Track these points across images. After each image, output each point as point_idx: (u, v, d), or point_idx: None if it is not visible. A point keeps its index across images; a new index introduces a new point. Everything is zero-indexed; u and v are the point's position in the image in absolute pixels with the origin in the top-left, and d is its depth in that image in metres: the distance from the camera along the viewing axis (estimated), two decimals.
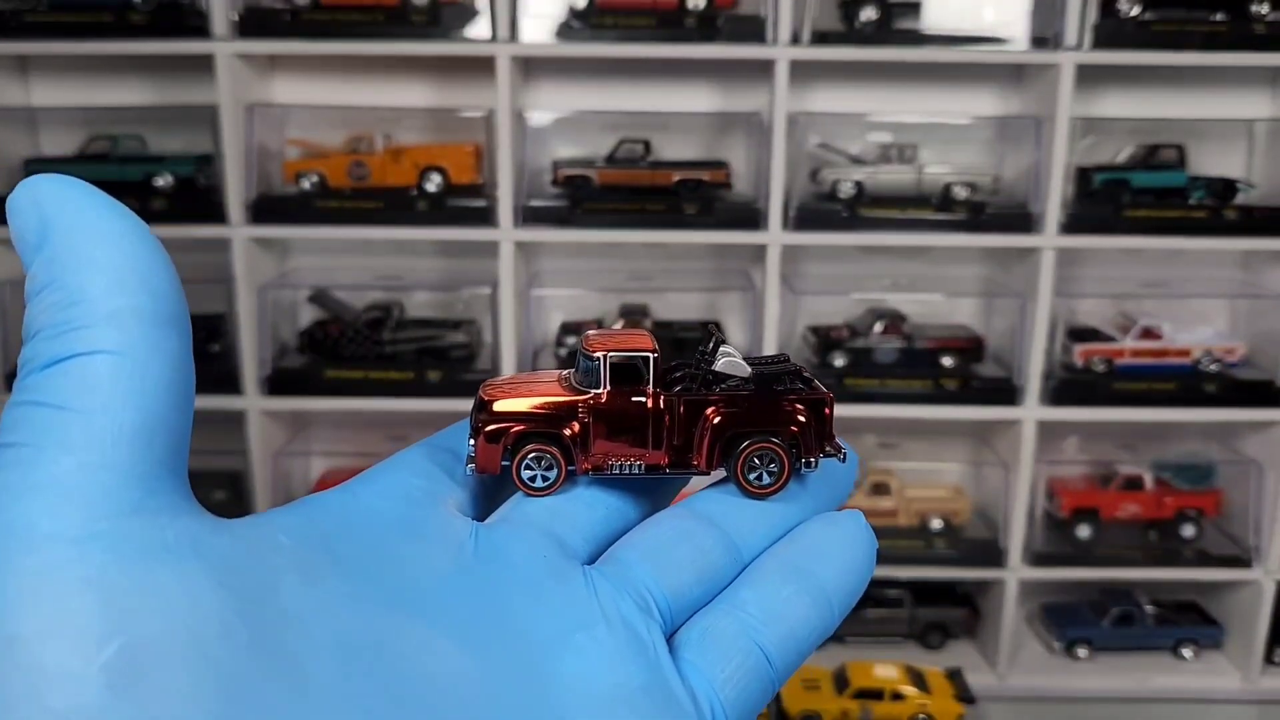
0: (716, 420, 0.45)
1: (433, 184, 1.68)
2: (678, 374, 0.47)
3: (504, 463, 0.43)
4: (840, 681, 1.65)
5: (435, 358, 1.73)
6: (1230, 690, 1.83)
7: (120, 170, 1.67)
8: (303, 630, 0.31)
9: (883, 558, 1.79)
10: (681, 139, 1.79)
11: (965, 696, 1.64)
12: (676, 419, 0.45)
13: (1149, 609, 1.87)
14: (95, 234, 0.31)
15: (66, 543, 0.28)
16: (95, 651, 0.27)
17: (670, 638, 0.38)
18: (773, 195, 1.63)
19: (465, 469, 0.43)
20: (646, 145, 1.72)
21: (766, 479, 0.44)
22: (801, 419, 0.45)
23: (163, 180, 1.67)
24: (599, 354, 0.45)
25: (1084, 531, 1.79)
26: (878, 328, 1.76)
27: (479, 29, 1.63)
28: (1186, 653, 1.86)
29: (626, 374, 0.45)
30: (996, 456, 1.82)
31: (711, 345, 0.47)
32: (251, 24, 1.59)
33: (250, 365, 1.69)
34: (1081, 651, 1.85)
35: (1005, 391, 1.72)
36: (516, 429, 0.44)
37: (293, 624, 0.30)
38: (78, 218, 0.31)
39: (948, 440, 1.92)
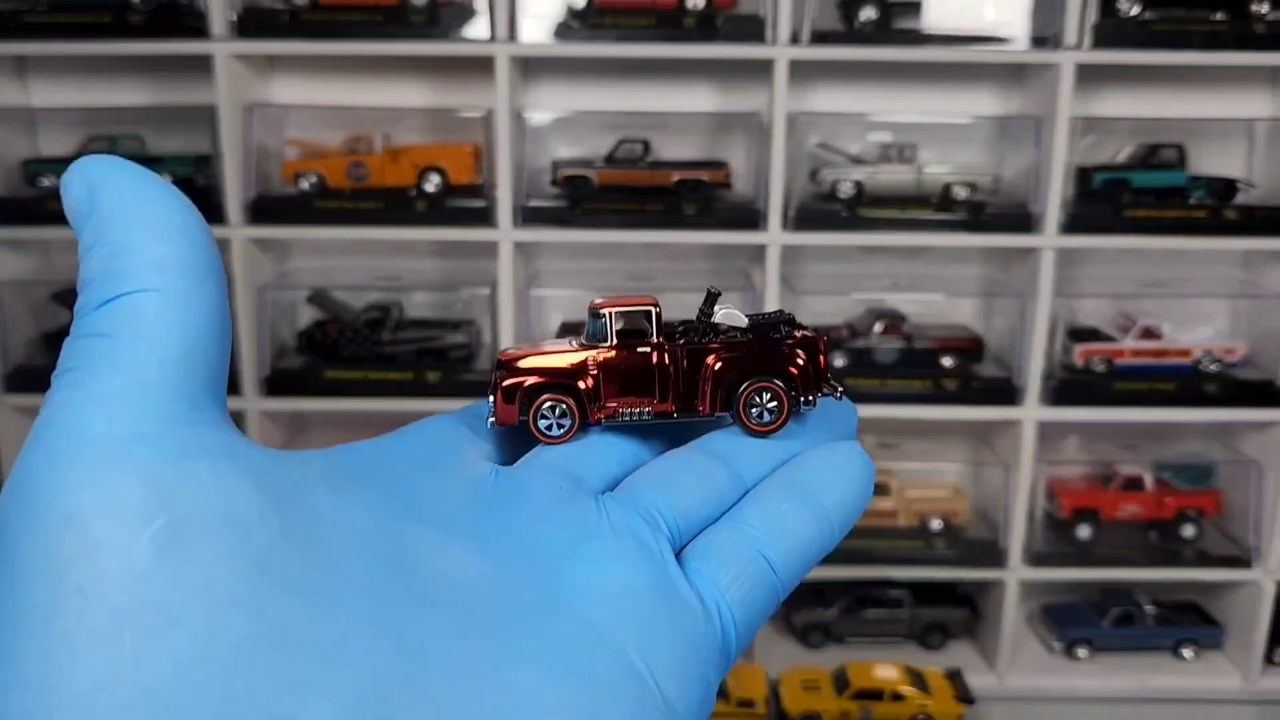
0: (717, 366, 0.48)
1: (432, 184, 1.68)
2: (680, 328, 0.51)
3: (521, 418, 0.46)
4: (840, 682, 1.65)
5: (434, 358, 1.73)
6: (1230, 690, 1.83)
7: None
8: (330, 527, 0.34)
9: (883, 558, 1.78)
10: (681, 139, 1.79)
11: (965, 697, 1.64)
12: (680, 368, 0.48)
13: (1149, 609, 1.87)
14: (137, 196, 0.35)
15: (117, 442, 0.32)
16: (142, 526, 0.30)
17: (678, 555, 0.41)
18: (772, 195, 1.63)
19: (486, 424, 0.46)
20: (646, 145, 1.72)
21: (767, 416, 0.47)
22: (799, 361, 0.49)
23: None
24: (605, 311, 0.49)
25: (1084, 532, 1.79)
26: (878, 328, 1.76)
27: (478, 29, 1.62)
28: (1186, 653, 1.86)
29: (632, 329, 0.49)
30: (996, 456, 1.82)
31: (710, 303, 0.50)
32: (250, 24, 1.59)
33: (249, 366, 1.69)
34: (1081, 652, 1.85)
35: (1005, 391, 1.72)
36: (532, 382, 0.47)
37: (321, 521, 0.34)
38: (121, 184, 0.35)
39: (948, 440, 1.91)
